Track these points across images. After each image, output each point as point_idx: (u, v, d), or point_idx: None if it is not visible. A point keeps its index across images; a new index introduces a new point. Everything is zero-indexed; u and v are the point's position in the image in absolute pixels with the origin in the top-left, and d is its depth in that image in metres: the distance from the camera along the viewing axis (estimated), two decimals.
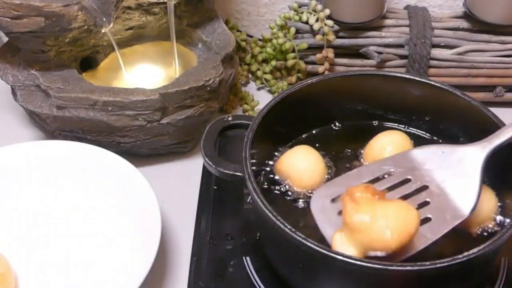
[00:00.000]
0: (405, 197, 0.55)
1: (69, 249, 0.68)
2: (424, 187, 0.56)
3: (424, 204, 0.55)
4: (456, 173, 0.56)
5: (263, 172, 0.66)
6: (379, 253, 0.51)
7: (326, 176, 0.65)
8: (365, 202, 0.51)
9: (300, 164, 0.64)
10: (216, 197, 0.72)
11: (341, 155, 0.68)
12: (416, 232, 0.51)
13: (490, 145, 0.56)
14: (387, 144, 0.65)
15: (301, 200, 0.63)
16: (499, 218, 0.60)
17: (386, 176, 0.57)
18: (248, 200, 0.69)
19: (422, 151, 0.58)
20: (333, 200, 0.55)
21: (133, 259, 0.64)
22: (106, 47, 0.83)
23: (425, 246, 0.53)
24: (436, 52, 0.85)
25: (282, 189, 0.64)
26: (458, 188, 0.55)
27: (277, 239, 0.55)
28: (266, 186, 0.64)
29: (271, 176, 0.65)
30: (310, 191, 0.63)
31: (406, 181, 0.56)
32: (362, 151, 0.67)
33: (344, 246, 0.51)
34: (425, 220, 0.54)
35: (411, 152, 0.59)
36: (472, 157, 0.55)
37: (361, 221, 0.50)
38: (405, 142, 0.65)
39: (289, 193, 0.64)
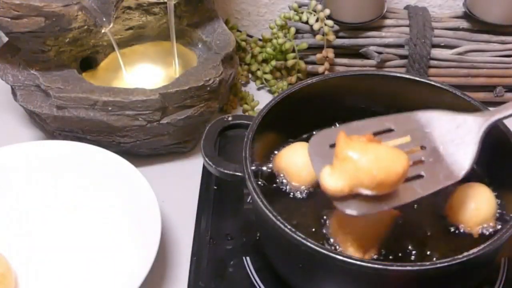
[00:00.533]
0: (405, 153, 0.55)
1: (69, 249, 0.68)
2: (422, 147, 0.56)
3: (419, 162, 0.55)
4: (454, 138, 0.56)
5: (263, 171, 0.65)
6: (365, 191, 0.51)
7: None
8: (359, 140, 0.52)
9: (298, 160, 0.64)
10: (216, 197, 0.72)
11: None
12: (404, 175, 0.51)
13: (492, 117, 0.56)
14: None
15: (299, 196, 0.63)
16: (499, 218, 0.60)
17: (386, 131, 0.57)
18: (248, 200, 0.69)
19: (426, 114, 0.59)
20: (331, 146, 0.55)
21: (133, 259, 0.65)
22: (106, 47, 0.83)
23: (413, 200, 0.53)
24: (436, 52, 0.85)
25: (281, 186, 0.64)
26: (454, 152, 0.55)
27: (277, 239, 0.55)
28: (265, 184, 0.64)
29: (271, 174, 0.65)
30: (308, 187, 0.63)
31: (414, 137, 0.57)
32: None
33: (332, 178, 0.51)
34: (417, 177, 0.54)
35: (415, 114, 0.59)
36: (473, 125, 0.56)
37: (352, 152, 0.51)
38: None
39: (288, 189, 0.64)
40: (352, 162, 0.50)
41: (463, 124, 0.56)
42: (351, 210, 0.51)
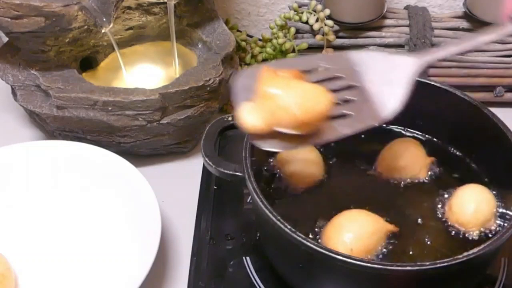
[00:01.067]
0: (332, 91, 0.53)
1: (69, 249, 0.68)
2: (353, 86, 0.55)
3: (349, 101, 0.54)
4: (386, 79, 0.55)
5: (263, 171, 0.66)
6: (285, 129, 0.49)
7: (323, 175, 0.65)
8: (283, 76, 0.50)
9: (298, 160, 0.64)
10: (216, 197, 0.72)
11: (341, 154, 0.68)
12: (325, 112, 0.50)
13: (422, 59, 0.55)
14: (400, 153, 0.65)
15: (299, 195, 0.64)
16: (498, 218, 0.60)
17: (320, 70, 0.56)
18: (248, 200, 0.69)
19: (359, 53, 0.58)
20: None
21: (133, 259, 0.64)
22: (106, 47, 0.83)
23: (336, 138, 0.52)
24: None
25: (281, 185, 0.64)
26: (385, 92, 0.54)
27: (277, 239, 0.55)
28: (265, 184, 0.64)
29: (271, 174, 0.65)
30: (308, 187, 0.64)
31: (339, 78, 0.55)
32: (375, 158, 0.67)
33: (250, 115, 0.49)
34: (345, 116, 0.53)
35: (347, 53, 0.58)
36: (404, 66, 0.55)
37: (272, 89, 0.49)
38: (417, 150, 0.65)
39: (288, 188, 0.64)
40: (272, 98, 0.48)
41: (393, 65, 0.55)
42: (268, 146, 0.50)
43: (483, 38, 0.54)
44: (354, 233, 0.56)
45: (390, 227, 0.58)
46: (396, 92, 0.54)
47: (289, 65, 0.55)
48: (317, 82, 0.53)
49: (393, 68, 0.55)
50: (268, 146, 0.50)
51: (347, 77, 0.55)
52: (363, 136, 0.69)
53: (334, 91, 0.53)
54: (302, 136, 0.50)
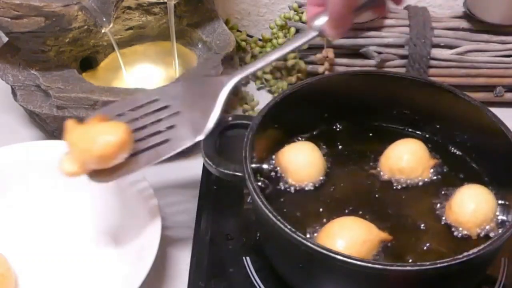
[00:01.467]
0: (158, 120, 0.60)
1: (69, 249, 0.68)
2: (177, 113, 0.60)
3: (171, 127, 0.59)
4: (199, 102, 0.60)
5: (263, 171, 0.66)
6: (96, 167, 0.57)
7: (323, 176, 0.65)
8: (85, 123, 0.58)
9: (299, 158, 0.64)
10: (216, 197, 0.72)
11: (342, 154, 0.68)
12: (121, 144, 0.56)
13: (234, 78, 0.59)
14: (404, 153, 0.65)
15: (299, 194, 0.64)
16: (498, 218, 0.60)
17: (153, 102, 0.61)
18: (248, 200, 0.69)
19: (177, 84, 0.67)
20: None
21: (133, 259, 0.64)
22: (106, 47, 0.83)
23: (152, 163, 0.58)
24: (436, 52, 0.85)
25: (281, 185, 0.64)
26: (201, 113, 0.59)
27: (277, 239, 0.55)
28: (265, 184, 0.64)
29: (271, 173, 0.65)
30: (307, 185, 0.64)
31: (166, 107, 0.60)
32: (375, 157, 0.67)
33: (66, 163, 0.58)
34: (165, 141, 0.59)
35: (176, 82, 0.67)
36: (214, 87, 0.59)
37: (73, 137, 0.57)
38: (421, 151, 0.65)
39: (287, 187, 0.64)
40: (75, 145, 0.57)
41: (209, 87, 0.60)
42: (96, 180, 0.58)
43: (287, 48, 0.59)
44: (346, 241, 0.55)
45: (384, 235, 0.58)
46: (211, 111, 0.58)
47: (117, 107, 0.62)
48: (152, 112, 0.60)
49: (205, 91, 0.60)
50: (95, 180, 0.58)
51: (170, 107, 0.60)
52: (362, 135, 0.70)
53: (161, 119, 0.59)
54: (118, 167, 0.58)
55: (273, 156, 0.67)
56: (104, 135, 0.56)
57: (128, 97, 0.67)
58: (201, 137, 0.58)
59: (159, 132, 0.59)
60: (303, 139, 0.69)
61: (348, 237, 0.56)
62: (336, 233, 0.57)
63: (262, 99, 0.88)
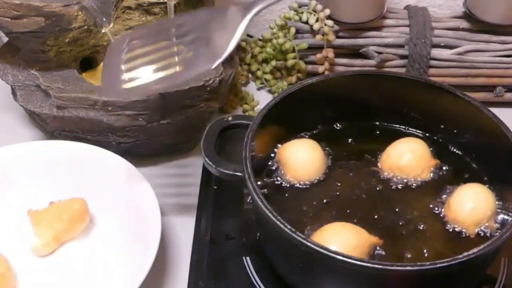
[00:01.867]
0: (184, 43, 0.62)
1: (69, 249, 0.68)
2: (199, 38, 0.62)
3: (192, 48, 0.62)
4: (221, 27, 0.61)
5: (263, 171, 0.66)
6: (68, 235, 0.67)
7: (324, 174, 0.65)
8: (43, 210, 0.69)
9: (299, 156, 0.64)
10: (216, 197, 0.72)
11: (342, 152, 0.68)
12: (80, 212, 0.68)
13: (253, 8, 0.60)
14: (405, 152, 0.65)
15: (299, 192, 0.64)
16: (498, 218, 0.60)
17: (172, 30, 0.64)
18: (248, 200, 0.69)
19: (207, 9, 0.72)
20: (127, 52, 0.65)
21: (133, 259, 0.64)
22: (106, 47, 0.82)
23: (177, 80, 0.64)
24: (436, 52, 0.85)
25: (280, 182, 0.64)
26: (221, 39, 0.60)
27: (277, 239, 0.56)
28: (265, 184, 0.64)
29: (271, 173, 0.65)
30: (307, 183, 0.64)
31: (192, 30, 0.63)
32: (375, 156, 0.67)
33: (42, 246, 0.66)
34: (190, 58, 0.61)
35: (201, 11, 0.71)
36: (235, 14, 0.61)
37: (38, 219, 0.68)
38: (423, 150, 0.65)
39: (287, 185, 0.64)
40: (46, 226, 0.67)
41: (229, 14, 0.62)
42: None
43: None
44: (337, 247, 0.55)
45: (374, 240, 0.58)
46: (230, 37, 0.60)
47: (149, 28, 0.67)
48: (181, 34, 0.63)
49: (228, 17, 0.62)
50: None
51: (195, 30, 0.63)
52: (362, 135, 0.70)
53: (186, 41, 0.62)
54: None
55: (275, 150, 0.67)
56: (67, 212, 0.68)
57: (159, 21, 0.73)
58: (213, 60, 0.59)
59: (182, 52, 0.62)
60: (307, 136, 0.69)
61: (339, 243, 0.55)
62: (326, 239, 0.56)
63: (262, 99, 0.88)
